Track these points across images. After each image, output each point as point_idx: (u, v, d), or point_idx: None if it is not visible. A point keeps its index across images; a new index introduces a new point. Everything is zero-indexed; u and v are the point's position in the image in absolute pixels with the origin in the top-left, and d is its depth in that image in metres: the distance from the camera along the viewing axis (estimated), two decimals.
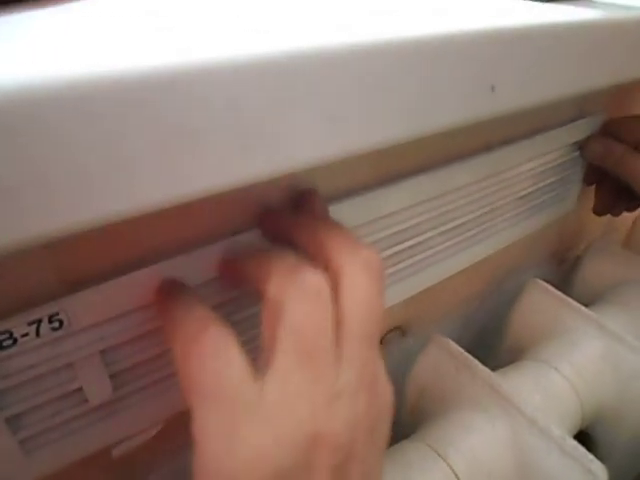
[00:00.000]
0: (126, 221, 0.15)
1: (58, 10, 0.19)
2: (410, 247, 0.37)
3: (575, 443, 0.33)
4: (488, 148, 0.38)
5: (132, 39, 0.15)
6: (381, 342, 0.44)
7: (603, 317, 0.44)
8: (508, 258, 0.52)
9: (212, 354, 0.18)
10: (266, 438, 0.18)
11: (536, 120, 0.42)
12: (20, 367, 0.22)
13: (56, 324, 0.21)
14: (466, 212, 0.39)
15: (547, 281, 0.49)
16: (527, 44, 0.24)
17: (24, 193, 0.13)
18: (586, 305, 0.47)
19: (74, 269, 0.22)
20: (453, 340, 0.41)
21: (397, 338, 0.45)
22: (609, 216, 0.54)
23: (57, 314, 0.21)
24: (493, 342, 0.52)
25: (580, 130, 0.46)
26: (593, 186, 0.53)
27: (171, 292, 0.22)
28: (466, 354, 0.39)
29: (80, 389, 0.24)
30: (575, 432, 0.41)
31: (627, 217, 0.63)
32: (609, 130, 0.47)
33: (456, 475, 0.33)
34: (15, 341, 0.21)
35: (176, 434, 0.29)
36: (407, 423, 0.41)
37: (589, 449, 0.33)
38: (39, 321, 0.21)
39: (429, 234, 0.37)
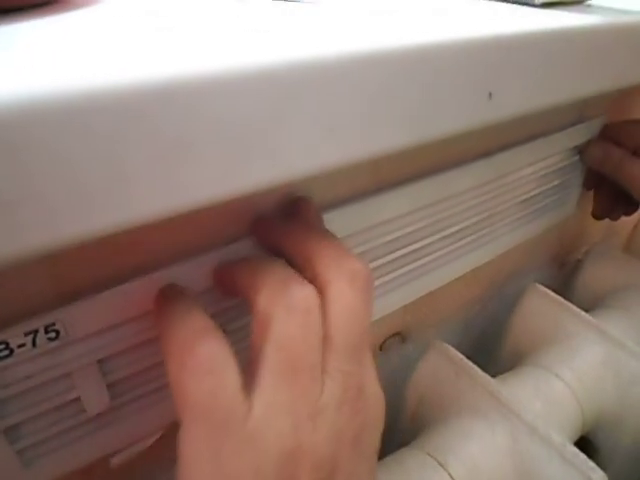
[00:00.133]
0: (122, 232, 0.15)
1: (55, 20, 0.19)
2: (409, 253, 0.36)
3: (576, 450, 0.33)
4: (487, 153, 0.38)
5: (129, 50, 0.15)
6: (380, 348, 0.44)
7: (604, 322, 0.44)
8: (508, 263, 0.52)
9: (207, 370, 0.18)
10: (250, 459, 0.18)
11: (536, 124, 0.42)
12: (17, 377, 0.22)
13: (52, 334, 0.21)
14: (466, 217, 0.39)
15: (548, 286, 0.49)
16: (523, 51, 0.24)
17: (21, 207, 0.13)
18: (587, 310, 0.47)
19: (70, 279, 0.22)
20: (453, 346, 0.41)
21: (397, 344, 0.44)
22: (610, 220, 0.54)
23: (53, 324, 0.21)
24: (493, 347, 0.51)
25: (580, 134, 0.46)
26: (592, 190, 0.53)
27: (169, 298, 0.22)
28: (466, 360, 0.39)
29: (78, 399, 0.24)
30: (576, 438, 0.41)
31: (627, 221, 0.63)
32: (608, 134, 0.47)
33: None
34: (12, 352, 0.21)
35: (175, 442, 0.29)
36: (407, 429, 0.41)
37: (590, 455, 0.33)
38: (35, 331, 0.21)
39: (428, 240, 0.37)
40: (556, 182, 0.47)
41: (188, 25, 0.19)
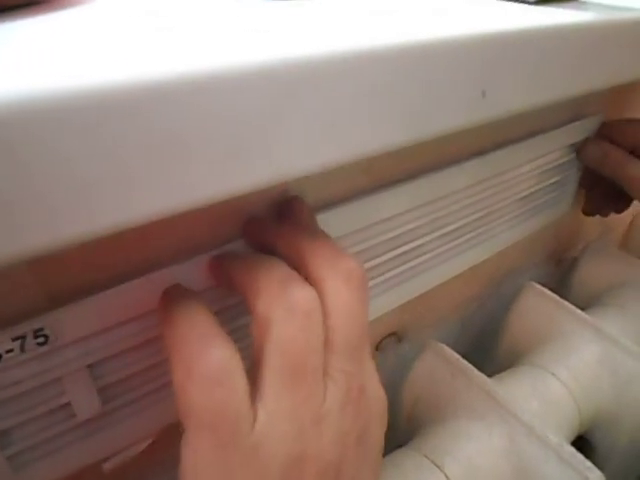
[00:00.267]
0: (111, 234, 0.15)
1: (46, 19, 0.18)
2: (406, 252, 0.36)
3: (573, 450, 0.33)
4: (483, 151, 0.38)
5: (124, 48, 0.15)
6: (377, 348, 0.44)
7: (600, 321, 0.44)
8: (505, 261, 0.52)
9: (215, 379, 0.17)
10: (256, 467, 0.18)
11: (532, 122, 0.42)
12: (6, 383, 0.21)
13: (41, 339, 0.21)
14: (462, 216, 0.39)
15: (544, 284, 0.49)
16: (517, 48, 0.24)
17: (12, 207, 0.12)
18: (583, 307, 0.47)
19: (59, 283, 0.21)
20: (450, 345, 0.41)
21: (393, 344, 0.44)
22: (604, 217, 0.54)
23: (42, 329, 0.21)
24: (490, 346, 0.51)
25: (576, 132, 0.46)
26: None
27: (174, 300, 0.20)
28: (462, 360, 0.39)
29: (68, 404, 0.23)
30: (573, 438, 0.41)
31: (623, 218, 0.63)
32: (606, 133, 0.47)
33: None
34: (0, 357, 0.20)
35: (168, 446, 0.29)
36: (403, 430, 0.41)
37: (587, 454, 0.33)
38: (24, 336, 0.20)
39: (424, 239, 0.37)
40: (552, 180, 0.47)
41: (183, 23, 0.19)
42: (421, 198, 0.34)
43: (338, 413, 0.19)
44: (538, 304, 0.47)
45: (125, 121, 0.13)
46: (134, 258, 0.23)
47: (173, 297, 0.21)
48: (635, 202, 0.50)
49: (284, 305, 0.19)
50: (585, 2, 0.32)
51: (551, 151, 0.44)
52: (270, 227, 0.24)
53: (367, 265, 0.34)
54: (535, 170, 0.44)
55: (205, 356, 0.17)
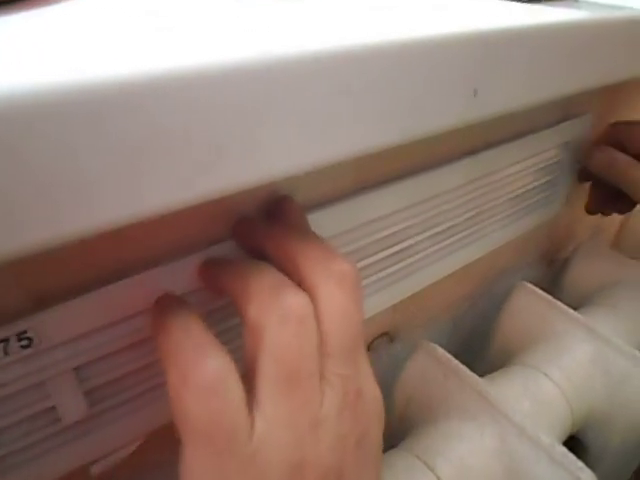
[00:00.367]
0: (96, 234, 0.14)
1: (37, 13, 0.18)
2: (397, 252, 0.36)
3: (564, 450, 0.32)
4: (474, 151, 0.38)
5: (104, 40, 0.14)
6: (368, 348, 0.43)
7: (592, 320, 0.44)
8: (497, 261, 0.52)
9: (211, 390, 0.17)
10: (255, 476, 0.18)
11: (523, 122, 0.42)
12: None
13: (25, 342, 0.20)
14: (453, 215, 0.39)
15: (537, 283, 0.49)
16: (509, 46, 0.24)
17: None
18: (575, 307, 0.47)
19: (43, 284, 0.21)
20: (442, 344, 0.40)
21: (384, 344, 0.44)
22: (598, 217, 0.54)
23: (25, 332, 0.20)
24: (482, 346, 0.51)
25: (567, 131, 0.45)
26: (582, 187, 0.53)
27: (166, 309, 0.20)
28: (454, 360, 0.38)
29: (54, 407, 0.23)
30: (565, 437, 0.41)
31: (615, 218, 0.63)
32: (611, 137, 0.47)
33: None
34: None
35: (156, 449, 0.28)
36: (395, 430, 0.41)
37: (580, 454, 0.33)
38: (6, 340, 0.20)
39: (416, 238, 0.37)
40: (544, 179, 0.47)
41: (159, 21, 0.19)
42: (413, 197, 0.34)
43: (336, 418, 0.19)
44: (530, 304, 0.47)
45: (106, 119, 0.13)
46: (121, 259, 0.22)
47: (166, 306, 0.20)
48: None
49: (276, 312, 0.19)
50: (578, 0, 0.32)
51: (542, 151, 0.44)
52: (260, 228, 0.24)
53: (359, 265, 0.33)
54: (526, 170, 0.44)
55: (200, 366, 0.17)
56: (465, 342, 0.53)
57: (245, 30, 0.18)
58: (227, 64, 0.15)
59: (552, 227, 0.58)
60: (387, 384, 0.42)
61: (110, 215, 0.14)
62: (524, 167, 0.43)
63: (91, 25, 0.17)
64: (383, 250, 0.35)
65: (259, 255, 0.23)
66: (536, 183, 0.46)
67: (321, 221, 0.28)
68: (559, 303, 0.46)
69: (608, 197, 0.51)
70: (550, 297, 0.46)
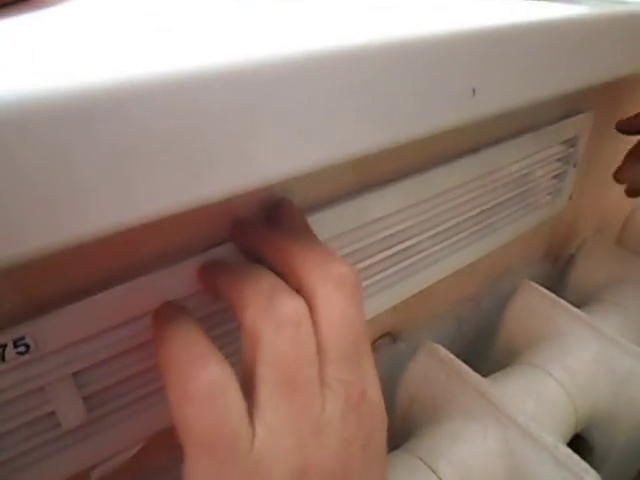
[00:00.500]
0: (92, 240, 0.14)
1: (36, 15, 0.18)
2: (399, 252, 0.36)
3: (569, 451, 0.32)
4: (476, 149, 0.37)
5: (95, 49, 0.14)
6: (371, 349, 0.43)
7: (596, 319, 0.44)
8: (501, 259, 0.51)
9: (211, 399, 0.17)
10: None
11: (525, 119, 0.41)
12: None
13: (22, 348, 0.20)
14: (456, 214, 0.39)
15: (541, 281, 0.49)
16: (508, 44, 0.23)
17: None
18: (580, 305, 0.46)
19: (39, 290, 0.21)
20: (445, 344, 0.40)
21: (387, 344, 0.44)
22: (601, 213, 0.53)
23: (23, 338, 0.20)
24: (486, 345, 0.51)
25: (569, 128, 0.45)
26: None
27: (166, 318, 0.20)
28: (457, 361, 0.38)
29: (53, 413, 0.23)
30: (570, 437, 0.41)
31: (619, 213, 0.63)
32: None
33: None
34: None
35: (156, 453, 0.28)
36: (398, 431, 0.41)
37: (585, 454, 0.32)
38: (4, 346, 0.20)
39: (418, 238, 0.37)
40: (547, 176, 0.47)
41: (152, 24, 0.18)
42: (414, 197, 0.34)
43: (339, 422, 0.19)
44: (534, 303, 0.47)
45: (101, 124, 0.13)
46: (119, 263, 0.22)
47: (166, 316, 0.20)
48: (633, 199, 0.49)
49: (272, 318, 0.18)
50: None
51: (544, 148, 0.44)
52: (258, 231, 0.24)
53: (360, 265, 0.33)
54: (529, 167, 0.43)
55: (200, 376, 0.17)
56: (469, 341, 0.53)
57: (243, 30, 0.18)
58: (223, 66, 0.15)
59: (555, 225, 0.57)
60: (390, 385, 0.42)
61: (105, 221, 0.14)
62: (527, 164, 0.43)
63: (87, 27, 0.17)
64: (385, 250, 0.35)
65: (258, 257, 0.23)
66: (539, 180, 0.46)
67: (322, 222, 0.28)
68: (563, 302, 0.45)
69: None
70: (554, 296, 0.46)
